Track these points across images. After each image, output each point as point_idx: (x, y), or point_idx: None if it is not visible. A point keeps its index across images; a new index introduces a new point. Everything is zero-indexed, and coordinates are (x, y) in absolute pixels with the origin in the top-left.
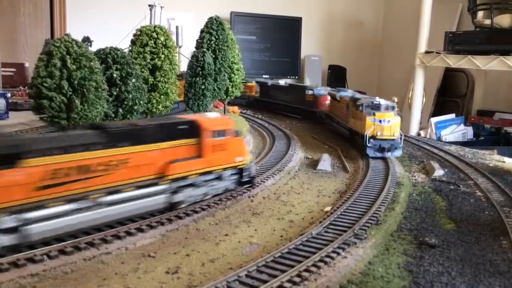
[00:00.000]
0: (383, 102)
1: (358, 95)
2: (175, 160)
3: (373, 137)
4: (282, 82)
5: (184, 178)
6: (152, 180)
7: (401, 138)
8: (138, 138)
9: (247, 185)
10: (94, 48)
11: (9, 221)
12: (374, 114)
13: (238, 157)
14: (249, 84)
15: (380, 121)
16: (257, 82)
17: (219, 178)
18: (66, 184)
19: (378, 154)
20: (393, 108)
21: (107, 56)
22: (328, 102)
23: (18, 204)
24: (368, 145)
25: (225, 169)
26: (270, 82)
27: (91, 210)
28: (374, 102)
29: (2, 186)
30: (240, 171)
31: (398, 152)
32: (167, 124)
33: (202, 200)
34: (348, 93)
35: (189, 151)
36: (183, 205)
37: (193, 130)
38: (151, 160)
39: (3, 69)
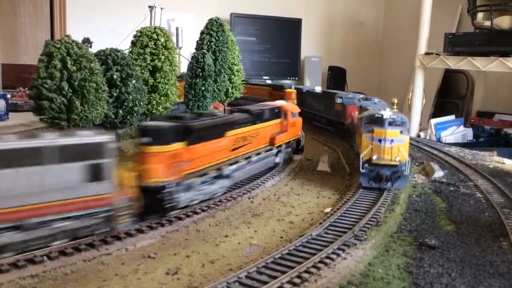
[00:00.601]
0: (387, 115)
1: (372, 106)
2: (276, 133)
3: (369, 161)
4: (318, 88)
5: (280, 146)
6: (269, 147)
7: (407, 165)
8: (263, 118)
9: (300, 152)
10: (94, 49)
11: (228, 170)
12: (372, 131)
13: (299, 132)
14: (288, 90)
15: (379, 140)
16: (295, 88)
17: (289, 146)
18: (240, 148)
19: (374, 185)
20: (402, 124)
21: (107, 57)
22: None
23: (228, 159)
24: (362, 171)
25: (294, 140)
26: (305, 88)
27: (249, 165)
28: (376, 115)
29: (222, 149)
30: (299, 142)
31: (403, 183)
32: (272, 108)
33: (202, 201)
34: (368, 102)
35: (280, 127)
36: (279, 165)
37: (282, 112)
38: (267, 133)
39: None
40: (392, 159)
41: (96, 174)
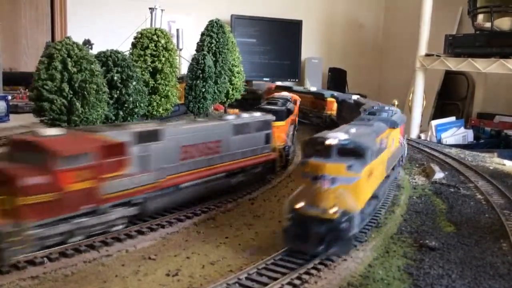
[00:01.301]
0: (334, 140)
1: (362, 123)
2: (294, 115)
3: (295, 210)
4: (355, 97)
5: (296, 124)
6: (295, 125)
7: (354, 219)
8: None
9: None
10: (94, 51)
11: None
12: (306, 163)
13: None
14: (329, 99)
15: (314, 178)
16: (333, 96)
17: (296, 125)
18: (291, 125)
19: (299, 246)
20: (357, 154)
21: (108, 59)
22: None
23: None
24: (287, 224)
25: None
26: (340, 97)
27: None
28: (319, 139)
29: (289, 126)
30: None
31: (344, 248)
32: (292, 98)
33: (203, 203)
34: (366, 116)
35: (296, 112)
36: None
37: (294, 101)
38: (293, 116)
39: None
40: (326, 210)
41: (267, 139)
